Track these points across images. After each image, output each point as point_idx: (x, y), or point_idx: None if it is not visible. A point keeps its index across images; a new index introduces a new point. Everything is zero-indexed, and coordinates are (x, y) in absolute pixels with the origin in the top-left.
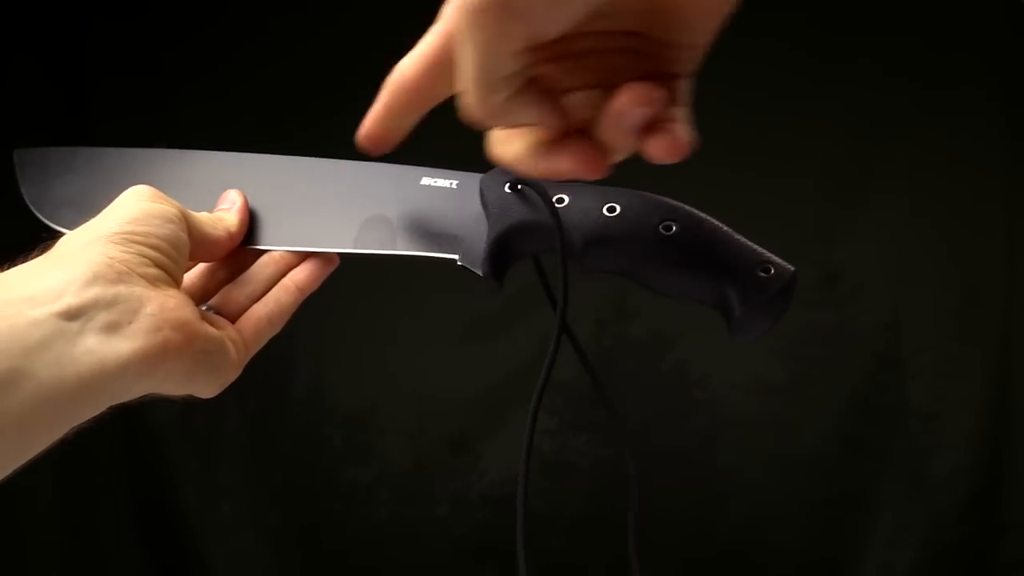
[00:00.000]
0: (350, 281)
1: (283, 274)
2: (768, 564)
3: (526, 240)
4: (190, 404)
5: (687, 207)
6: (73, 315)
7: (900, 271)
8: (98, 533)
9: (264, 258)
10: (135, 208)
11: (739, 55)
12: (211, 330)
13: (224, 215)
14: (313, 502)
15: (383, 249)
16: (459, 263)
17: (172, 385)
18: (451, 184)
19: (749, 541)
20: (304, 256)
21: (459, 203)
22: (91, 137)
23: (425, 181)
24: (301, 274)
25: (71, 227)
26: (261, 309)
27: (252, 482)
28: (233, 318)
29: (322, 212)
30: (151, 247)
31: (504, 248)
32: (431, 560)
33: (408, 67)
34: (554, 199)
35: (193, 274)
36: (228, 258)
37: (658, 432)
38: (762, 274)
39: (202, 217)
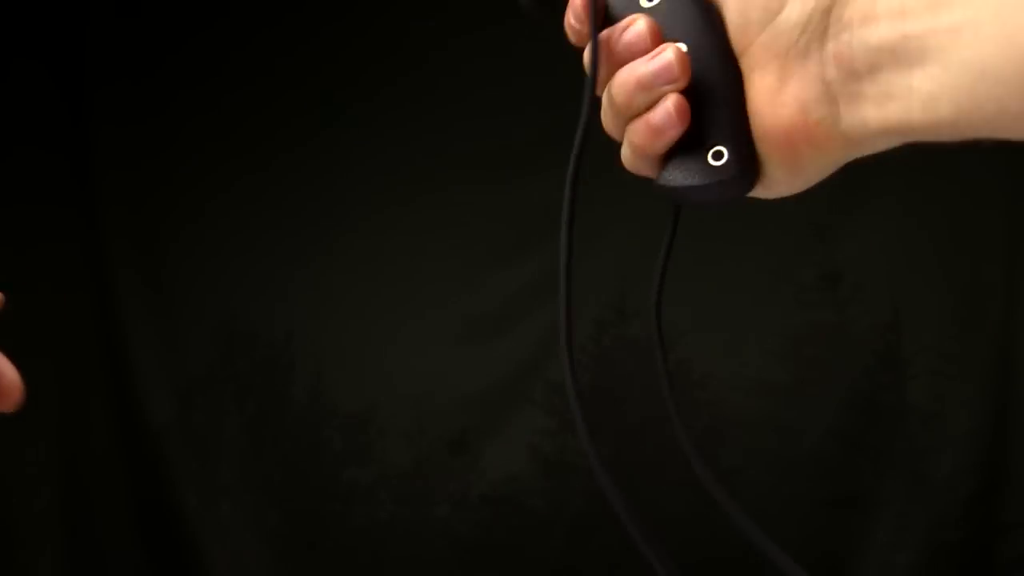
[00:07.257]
0: (350, 282)
1: None
2: (768, 564)
3: None
4: (190, 404)
5: None
6: None
7: (900, 271)
8: (98, 533)
9: None
10: None
11: None
12: None
13: None
14: (313, 502)
15: None
16: None
17: None
18: None
19: (749, 541)
20: None
21: None
22: (91, 137)
23: None
24: None
25: None
26: None
27: (252, 482)
28: None
29: None
30: None
31: None
32: (431, 560)
33: None
34: None
35: None
36: None
37: (658, 432)
38: None
39: None
